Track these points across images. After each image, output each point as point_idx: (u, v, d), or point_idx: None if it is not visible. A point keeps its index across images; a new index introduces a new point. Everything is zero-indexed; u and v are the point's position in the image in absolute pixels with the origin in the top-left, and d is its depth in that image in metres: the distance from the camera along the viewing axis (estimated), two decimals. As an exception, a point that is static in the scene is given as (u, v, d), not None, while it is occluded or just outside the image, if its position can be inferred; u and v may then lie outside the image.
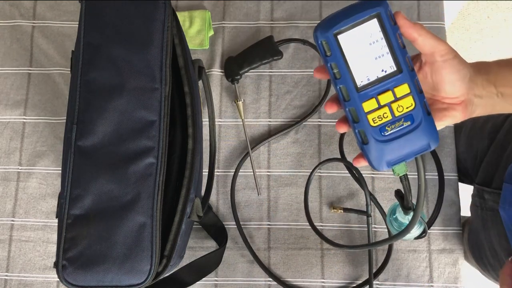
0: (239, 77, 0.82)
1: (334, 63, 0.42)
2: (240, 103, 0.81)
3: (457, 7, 1.42)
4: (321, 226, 0.79)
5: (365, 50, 0.41)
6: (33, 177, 0.81)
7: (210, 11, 0.86)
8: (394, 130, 0.43)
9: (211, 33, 0.86)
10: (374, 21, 0.41)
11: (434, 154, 0.79)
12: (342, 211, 0.78)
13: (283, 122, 0.83)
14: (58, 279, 0.70)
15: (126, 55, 0.59)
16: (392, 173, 0.45)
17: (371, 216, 0.76)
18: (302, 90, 0.84)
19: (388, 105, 0.42)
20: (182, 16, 0.85)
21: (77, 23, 0.62)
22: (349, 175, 0.79)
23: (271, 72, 0.85)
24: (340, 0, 0.87)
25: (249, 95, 0.84)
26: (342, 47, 0.41)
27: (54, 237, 0.78)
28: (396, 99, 0.42)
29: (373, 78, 0.42)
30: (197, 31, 0.85)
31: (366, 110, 0.42)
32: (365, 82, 0.42)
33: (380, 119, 0.43)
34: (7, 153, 0.82)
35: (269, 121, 0.83)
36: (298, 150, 0.82)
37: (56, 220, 0.58)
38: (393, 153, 0.43)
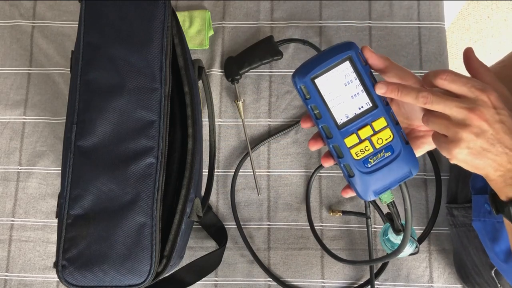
0: (239, 77, 0.82)
1: (314, 104, 0.44)
2: (240, 103, 0.81)
3: (457, 7, 1.42)
4: (321, 226, 0.79)
5: (341, 90, 0.44)
6: (33, 177, 0.81)
7: (210, 11, 0.86)
8: (376, 162, 0.45)
9: (211, 33, 0.86)
10: (347, 63, 0.44)
11: (430, 154, 0.79)
12: (341, 214, 0.78)
13: (283, 122, 0.83)
14: (58, 279, 0.70)
15: (126, 55, 0.59)
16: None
17: (370, 218, 0.76)
18: (302, 90, 0.84)
19: (368, 138, 0.45)
20: (182, 16, 0.85)
21: (77, 23, 0.62)
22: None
23: (271, 72, 0.85)
24: (340, 0, 0.87)
25: (249, 95, 0.84)
26: (320, 90, 0.44)
27: (54, 237, 0.78)
28: (375, 133, 0.45)
29: (351, 115, 0.45)
30: (197, 31, 0.85)
31: (348, 145, 0.45)
32: (345, 119, 0.45)
33: (363, 152, 0.45)
34: (7, 153, 0.82)
35: (269, 121, 0.83)
36: (298, 150, 0.82)
37: (56, 220, 0.58)
38: (378, 183, 0.46)
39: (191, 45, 0.84)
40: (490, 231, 0.60)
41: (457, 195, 0.73)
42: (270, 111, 0.83)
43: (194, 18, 0.85)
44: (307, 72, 0.43)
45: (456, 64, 1.58)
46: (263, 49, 0.82)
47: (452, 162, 0.44)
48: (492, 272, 0.64)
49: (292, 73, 0.45)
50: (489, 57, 1.58)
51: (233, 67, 0.82)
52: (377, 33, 0.85)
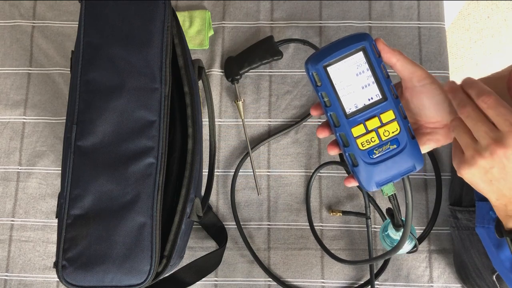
0: (239, 77, 0.82)
1: (325, 92, 0.45)
2: (240, 103, 0.81)
3: (457, 7, 1.42)
4: (321, 226, 0.79)
5: (352, 80, 0.45)
6: (33, 177, 0.81)
7: (210, 11, 0.86)
8: (381, 153, 0.46)
9: (211, 33, 0.86)
10: (360, 54, 0.44)
11: (431, 155, 0.79)
12: (341, 214, 0.78)
13: (283, 122, 0.83)
14: (58, 279, 0.70)
15: (126, 55, 0.59)
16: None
17: (370, 218, 0.76)
18: (302, 90, 0.84)
19: (375, 130, 0.45)
20: (182, 16, 0.85)
21: (77, 23, 0.62)
22: (349, 175, 0.79)
23: (271, 72, 0.85)
24: (340, 0, 0.87)
25: (249, 95, 0.84)
26: (331, 78, 0.44)
27: (54, 237, 0.78)
28: (382, 125, 0.45)
29: (360, 105, 0.45)
30: (197, 31, 0.85)
31: (355, 135, 0.45)
32: (354, 109, 0.45)
33: (368, 143, 0.45)
34: (7, 153, 0.82)
35: (269, 121, 0.83)
36: (298, 150, 0.82)
37: (56, 220, 0.58)
38: (381, 175, 0.46)
39: (191, 45, 0.84)
40: (495, 237, 0.60)
41: (461, 198, 0.73)
42: (270, 111, 0.83)
43: (194, 18, 0.85)
44: (320, 59, 0.44)
45: (456, 64, 1.58)
46: (263, 49, 0.82)
47: (458, 175, 0.44)
48: (494, 276, 0.64)
49: (305, 61, 0.45)
50: (489, 57, 1.58)
51: (233, 67, 0.82)
52: (377, 33, 0.85)
